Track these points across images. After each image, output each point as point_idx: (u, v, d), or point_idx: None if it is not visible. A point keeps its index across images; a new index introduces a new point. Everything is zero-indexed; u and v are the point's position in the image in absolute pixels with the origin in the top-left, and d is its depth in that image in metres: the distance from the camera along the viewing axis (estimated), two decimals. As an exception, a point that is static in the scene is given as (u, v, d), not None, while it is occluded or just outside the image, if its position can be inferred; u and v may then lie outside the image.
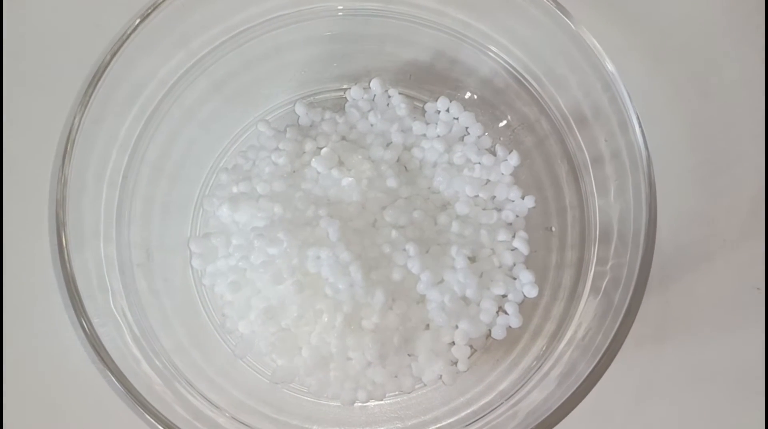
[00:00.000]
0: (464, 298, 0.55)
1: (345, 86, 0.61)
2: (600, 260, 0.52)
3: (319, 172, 0.57)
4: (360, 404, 0.54)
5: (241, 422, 0.50)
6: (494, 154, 0.59)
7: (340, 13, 0.57)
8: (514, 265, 0.57)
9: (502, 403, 0.50)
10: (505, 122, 0.59)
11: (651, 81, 0.62)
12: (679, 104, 0.62)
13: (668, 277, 0.58)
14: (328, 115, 0.60)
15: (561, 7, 0.51)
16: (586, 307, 0.51)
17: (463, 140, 0.60)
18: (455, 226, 0.56)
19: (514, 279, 0.56)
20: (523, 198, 0.58)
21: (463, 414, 0.52)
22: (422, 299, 0.55)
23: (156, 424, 0.44)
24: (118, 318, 0.49)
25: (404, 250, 0.54)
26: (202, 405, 0.50)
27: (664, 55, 0.63)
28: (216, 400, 0.51)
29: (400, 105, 0.60)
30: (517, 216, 0.58)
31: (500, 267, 0.57)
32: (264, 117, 0.61)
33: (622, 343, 0.45)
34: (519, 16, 0.53)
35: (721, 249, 0.59)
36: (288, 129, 0.60)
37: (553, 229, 0.57)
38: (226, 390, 0.53)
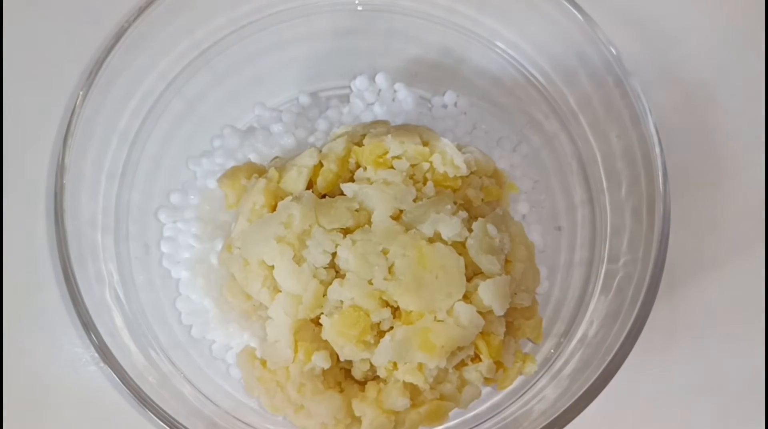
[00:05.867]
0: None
1: (349, 83, 0.60)
2: (612, 258, 0.51)
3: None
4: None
5: (237, 419, 0.49)
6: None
7: (359, 8, 0.56)
8: (522, 264, 0.55)
9: (511, 403, 0.49)
10: (512, 120, 0.58)
11: (659, 88, 0.61)
12: (687, 111, 0.61)
13: (677, 283, 0.57)
14: (334, 102, 0.59)
15: (571, 1, 0.50)
16: (597, 306, 0.50)
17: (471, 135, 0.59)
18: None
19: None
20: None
21: (469, 415, 0.50)
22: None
23: (152, 415, 0.43)
24: (114, 309, 0.48)
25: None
26: (197, 400, 0.48)
27: (672, 62, 0.62)
28: (212, 396, 0.49)
29: (406, 99, 0.58)
30: (524, 215, 0.57)
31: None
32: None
33: (636, 339, 0.45)
34: (529, 12, 0.53)
35: (729, 255, 0.59)
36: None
37: (561, 228, 0.56)
38: (222, 388, 0.51)
